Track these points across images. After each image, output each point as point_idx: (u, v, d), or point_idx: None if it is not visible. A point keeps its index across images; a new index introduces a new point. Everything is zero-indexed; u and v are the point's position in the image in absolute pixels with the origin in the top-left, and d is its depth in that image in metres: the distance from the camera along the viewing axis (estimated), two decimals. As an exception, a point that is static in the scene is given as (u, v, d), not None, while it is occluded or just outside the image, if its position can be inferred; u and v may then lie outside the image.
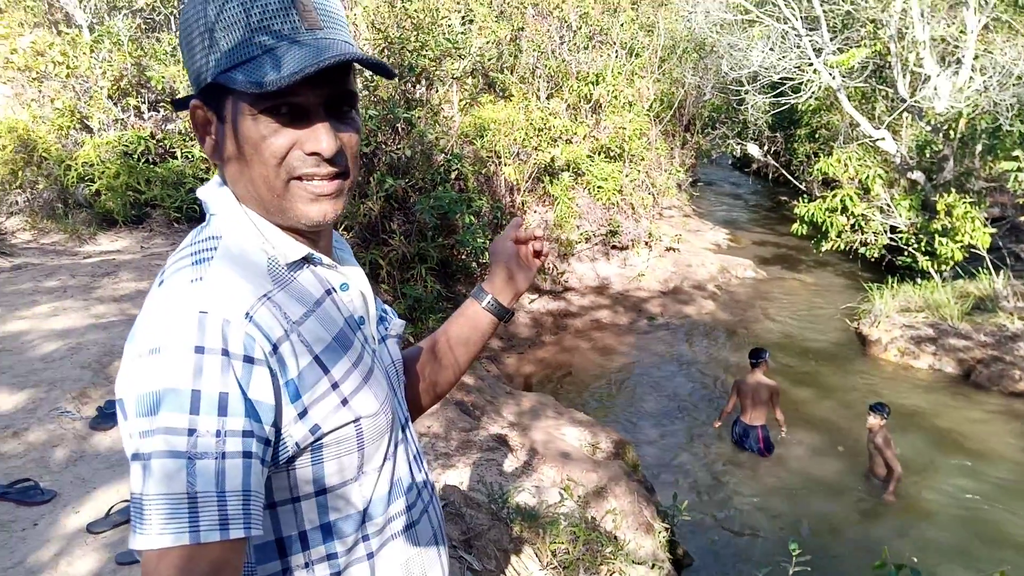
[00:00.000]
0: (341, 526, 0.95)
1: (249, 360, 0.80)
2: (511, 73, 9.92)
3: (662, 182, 11.25)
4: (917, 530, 5.13)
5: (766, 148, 17.04)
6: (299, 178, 0.87)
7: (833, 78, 10.70)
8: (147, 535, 0.73)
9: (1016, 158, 8.46)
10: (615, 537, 3.96)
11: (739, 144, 16.81)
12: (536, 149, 8.98)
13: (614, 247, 9.85)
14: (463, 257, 7.07)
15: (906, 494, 5.59)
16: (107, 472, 3.08)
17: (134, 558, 2.47)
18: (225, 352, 0.78)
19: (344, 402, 0.90)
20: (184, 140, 7.02)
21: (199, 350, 0.77)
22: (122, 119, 7.10)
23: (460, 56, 7.75)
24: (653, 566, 4.11)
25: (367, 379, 0.95)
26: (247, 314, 0.81)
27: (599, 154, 10.03)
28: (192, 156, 6.84)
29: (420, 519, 1.07)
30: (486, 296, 1.25)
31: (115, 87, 7.21)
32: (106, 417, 3.42)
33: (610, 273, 9.61)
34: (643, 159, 10.72)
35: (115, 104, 7.15)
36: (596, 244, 9.68)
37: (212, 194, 0.94)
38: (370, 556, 0.99)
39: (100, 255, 5.93)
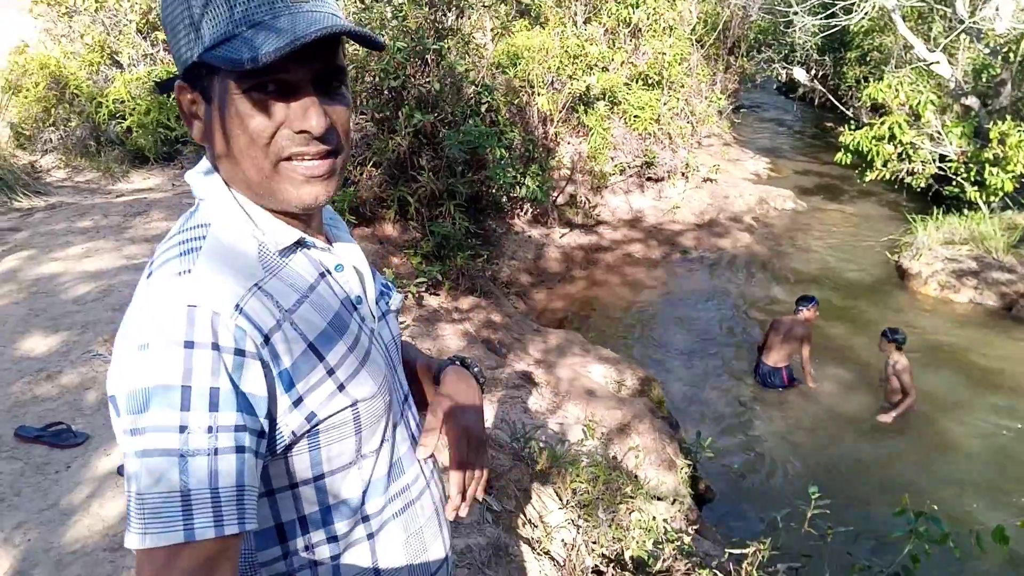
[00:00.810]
0: (341, 509, 0.95)
1: (240, 353, 0.79)
2: (548, -4, 9.60)
3: (702, 110, 10.91)
4: (947, 468, 5.10)
5: (813, 72, 16.32)
6: (289, 158, 0.85)
7: (887, -3, 10.12)
8: (141, 533, 0.74)
9: (1078, 83, 7.98)
10: (636, 476, 4.02)
11: (785, 68, 16.13)
12: (571, 77, 8.74)
13: (649, 179, 9.66)
14: (493, 192, 7.01)
15: (938, 431, 5.55)
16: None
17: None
18: (215, 346, 0.77)
19: (341, 387, 0.89)
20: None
21: (188, 345, 0.76)
22: (151, 54, 7.09)
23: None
24: (674, 501, 4.18)
25: (364, 362, 0.94)
26: (237, 306, 0.80)
27: (637, 81, 9.73)
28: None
29: (421, 496, 1.08)
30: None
31: (144, 21, 7.17)
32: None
33: (644, 206, 9.45)
34: (683, 86, 10.37)
35: (144, 39, 7.13)
36: (630, 176, 9.50)
37: (200, 179, 0.92)
38: (370, 537, 1.00)
39: (132, 193, 6.02)
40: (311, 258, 0.94)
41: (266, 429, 0.82)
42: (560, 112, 8.60)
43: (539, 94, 8.32)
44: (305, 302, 0.88)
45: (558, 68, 8.66)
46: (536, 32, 9.00)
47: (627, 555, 3.32)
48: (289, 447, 0.87)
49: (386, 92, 6.17)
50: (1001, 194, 8.82)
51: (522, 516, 3.29)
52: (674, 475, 4.47)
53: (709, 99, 11.30)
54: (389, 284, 1.15)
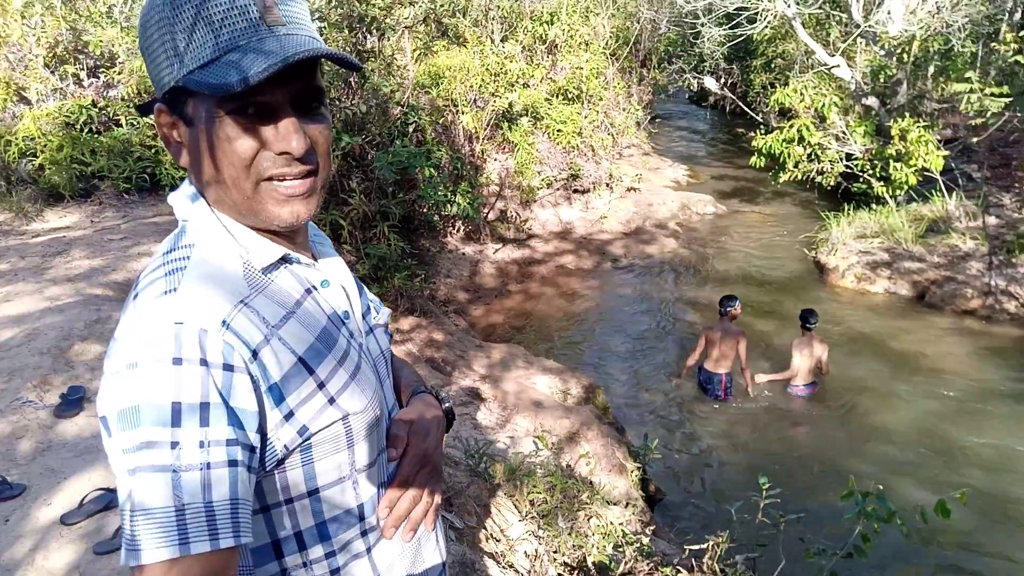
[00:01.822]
0: (337, 525, 0.95)
1: (229, 368, 0.79)
2: (463, 16, 9.69)
3: (621, 121, 11.20)
4: (879, 451, 5.34)
5: (723, 80, 16.98)
6: (270, 179, 0.86)
7: (788, 6, 10.64)
8: (137, 550, 0.73)
9: (968, 79, 8.56)
10: (591, 482, 4.07)
11: (696, 78, 16.73)
12: (493, 95, 8.84)
13: (575, 191, 9.84)
14: (425, 211, 7.01)
15: (867, 416, 5.81)
16: (76, 461, 3.05)
17: (112, 547, 2.48)
18: (204, 362, 0.77)
19: (331, 401, 0.89)
20: (128, 107, 6.77)
21: (177, 362, 0.76)
22: (61, 88, 6.82)
23: (411, 2, 7.54)
24: (627, 504, 4.25)
25: (354, 376, 0.94)
26: (224, 322, 0.81)
27: (557, 96, 9.92)
28: (138, 123, 6.61)
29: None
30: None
31: (51, 54, 6.91)
32: (70, 404, 3.38)
33: (573, 217, 9.62)
34: (601, 99, 10.63)
35: (52, 73, 6.86)
36: (558, 189, 9.66)
37: (183, 201, 0.92)
38: (369, 551, 1.00)
39: (49, 233, 5.77)
40: (296, 275, 0.94)
41: (257, 444, 0.82)
42: (485, 129, 8.67)
43: (463, 112, 8.38)
44: (292, 318, 0.89)
45: (480, 86, 8.75)
46: (456, 52, 9.07)
47: (589, 561, 3.35)
48: (282, 461, 0.88)
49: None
50: (906, 188, 9.34)
51: (484, 531, 3.28)
52: (625, 479, 4.53)
53: (627, 111, 11.60)
54: (376, 299, 1.16)
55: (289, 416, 0.85)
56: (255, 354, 0.82)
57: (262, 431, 0.83)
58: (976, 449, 5.31)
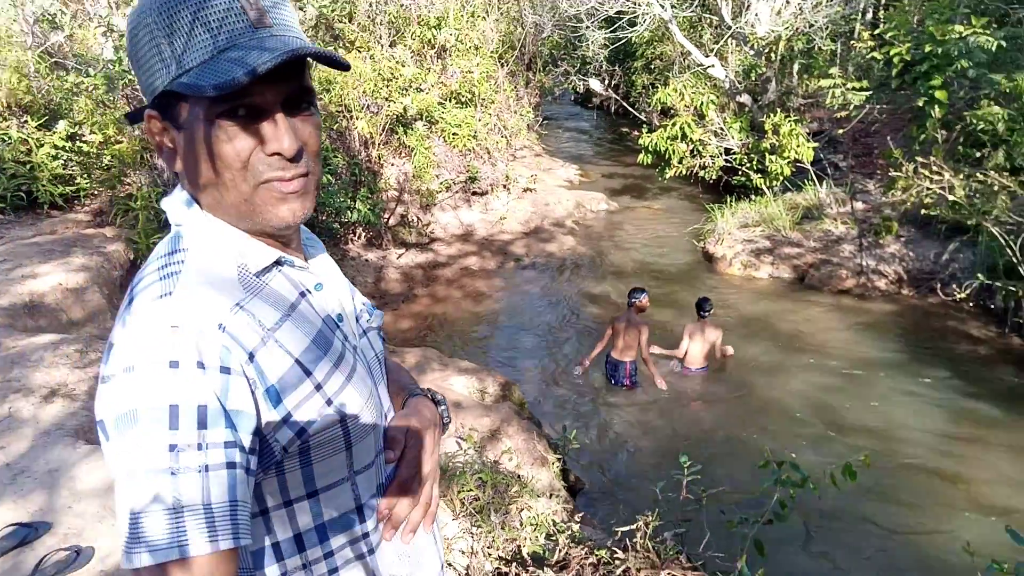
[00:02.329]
0: (336, 526, 0.96)
1: (226, 371, 0.79)
2: (350, 21, 9.57)
3: (513, 124, 11.38)
4: (778, 426, 5.69)
5: (606, 82, 17.53)
6: (264, 181, 0.86)
7: (664, 9, 11.13)
8: (136, 552, 0.73)
9: (831, 75, 9.24)
10: (518, 475, 4.15)
11: (581, 80, 17.19)
12: (387, 100, 8.79)
13: (474, 193, 9.93)
14: (324, 219, 6.90)
15: (764, 393, 6.18)
16: (-18, 497, 2.86)
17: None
18: (200, 365, 0.78)
19: (329, 402, 0.90)
20: (-3, 121, 6.32)
21: (174, 364, 0.76)
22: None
23: (300, 8, 7.40)
24: (551, 496, 4.35)
25: (350, 377, 0.95)
26: (220, 325, 0.81)
27: (450, 100, 9.97)
28: (9, 139, 6.16)
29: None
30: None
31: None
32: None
33: (473, 219, 9.70)
34: (493, 102, 10.76)
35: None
36: (456, 192, 9.72)
37: (176, 206, 0.92)
38: (370, 552, 1.00)
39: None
40: (290, 278, 0.95)
41: (255, 446, 0.83)
42: (381, 134, 8.61)
43: (357, 118, 8.29)
44: (287, 320, 0.89)
45: (373, 91, 8.68)
46: (347, 57, 8.95)
47: (524, 552, 3.42)
48: (281, 463, 0.88)
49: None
50: (781, 178, 9.99)
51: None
52: (547, 471, 4.64)
53: (518, 113, 11.80)
54: (368, 303, 1.16)
55: (287, 418, 0.86)
56: (251, 357, 0.83)
57: (260, 433, 0.84)
58: (862, 418, 5.76)
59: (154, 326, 0.78)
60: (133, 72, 0.90)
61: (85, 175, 6.45)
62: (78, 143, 6.48)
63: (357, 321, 1.07)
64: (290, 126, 0.85)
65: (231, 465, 0.78)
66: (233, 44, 0.81)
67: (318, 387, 0.89)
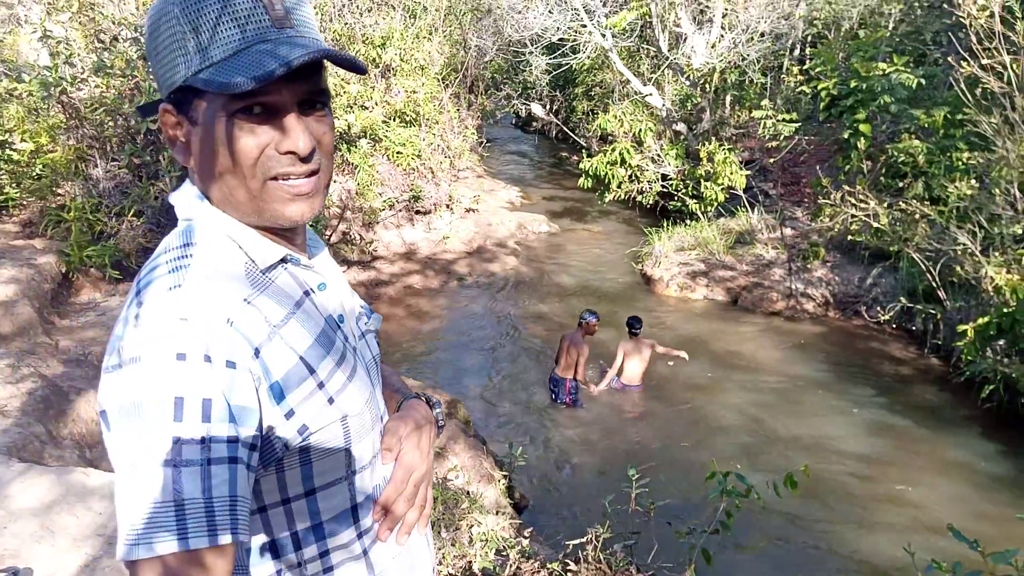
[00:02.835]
0: (333, 525, 0.96)
1: (231, 365, 0.80)
2: (294, 38, 9.49)
3: (457, 145, 11.45)
4: (715, 441, 5.86)
5: (548, 107, 17.83)
6: (275, 178, 0.87)
7: (605, 38, 11.44)
8: (134, 544, 0.73)
9: (762, 107, 9.65)
10: (467, 492, 4.16)
11: (524, 104, 17.43)
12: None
13: (418, 212, 9.94)
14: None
15: (700, 410, 6.36)
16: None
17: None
18: (207, 358, 0.78)
19: (330, 401, 0.90)
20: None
21: (181, 357, 0.76)
22: None
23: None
24: (498, 512, 4.37)
25: (351, 377, 0.95)
26: (228, 319, 0.81)
27: (394, 119, 9.98)
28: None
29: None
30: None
31: None
32: None
33: (416, 238, 9.70)
34: (437, 122, 10.82)
35: None
36: (400, 210, 9.70)
37: (185, 199, 0.92)
38: (365, 553, 1.01)
39: None
40: (295, 276, 0.96)
41: (257, 442, 0.83)
42: (323, 151, 8.54)
43: (301, 134, 8.21)
44: (292, 318, 0.90)
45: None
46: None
47: (475, 567, 3.43)
48: (281, 460, 0.88)
49: (143, 136, 5.75)
50: (716, 204, 10.33)
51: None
52: (494, 488, 4.66)
53: (462, 135, 11.89)
54: (365, 306, 1.17)
55: (289, 415, 0.86)
56: (257, 352, 0.83)
57: (262, 429, 0.84)
58: (794, 432, 5.99)
59: (163, 318, 0.78)
60: (151, 65, 0.88)
61: (14, 184, 6.19)
62: (8, 151, 6.23)
63: (356, 323, 1.08)
64: (305, 126, 0.86)
65: (233, 460, 0.78)
66: (260, 38, 0.83)
67: (320, 385, 0.90)
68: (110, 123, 5.79)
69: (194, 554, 0.74)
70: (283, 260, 0.94)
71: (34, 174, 6.20)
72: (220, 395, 0.78)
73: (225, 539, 0.76)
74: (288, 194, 0.88)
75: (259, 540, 0.92)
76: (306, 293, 0.96)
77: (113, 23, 6.35)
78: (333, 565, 0.98)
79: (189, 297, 0.81)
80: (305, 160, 0.87)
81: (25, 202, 6.26)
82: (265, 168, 0.86)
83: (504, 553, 3.54)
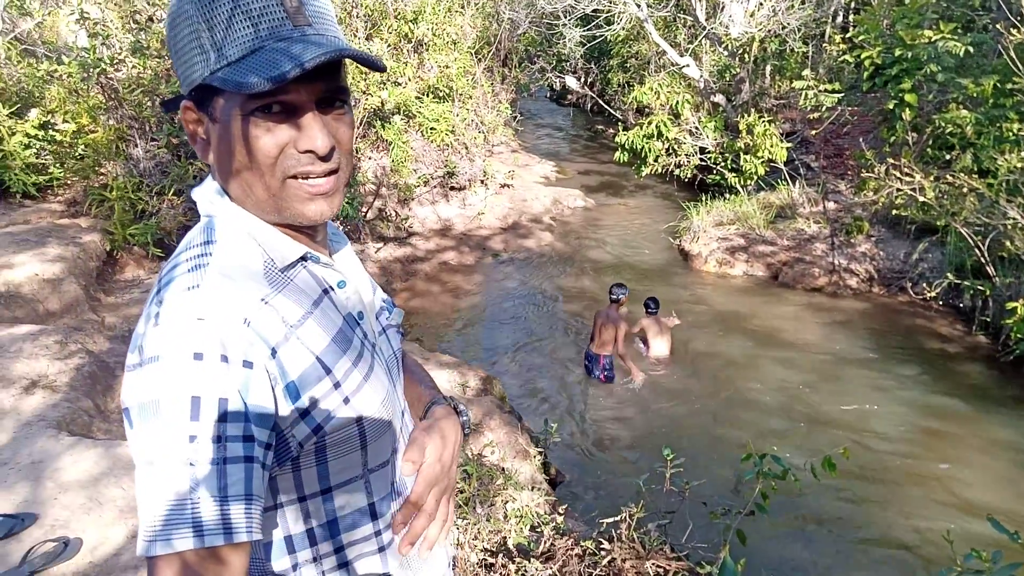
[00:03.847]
0: (349, 522, 0.97)
1: (248, 365, 0.81)
2: (326, 14, 9.48)
3: (491, 120, 11.38)
4: (752, 421, 5.79)
5: (582, 80, 17.61)
6: (294, 176, 0.87)
7: (640, 8, 11.21)
8: (152, 541, 0.74)
9: (803, 77, 9.39)
10: (502, 468, 4.18)
11: (558, 77, 17.23)
12: (364, 93, 8.75)
13: (452, 188, 9.92)
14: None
15: (738, 389, 6.28)
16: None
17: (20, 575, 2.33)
18: (224, 358, 0.79)
19: (346, 400, 0.91)
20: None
21: (198, 357, 0.77)
22: None
23: None
24: (533, 488, 4.39)
25: (367, 377, 0.96)
26: (245, 319, 0.82)
27: (427, 95, 9.95)
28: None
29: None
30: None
31: None
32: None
33: (451, 214, 9.70)
34: (470, 97, 10.76)
35: None
36: (435, 187, 9.71)
37: (206, 195, 0.93)
38: (381, 550, 1.02)
39: None
40: (315, 274, 0.96)
41: (272, 441, 0.84)
42: (358, 128, 8.57)
43: (335, 111, 8.23)
44: (310, 317, 0.90)
45: (350, 85, 8.63)
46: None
47: (510, 543, 3.46)
48: (296, 460, 0.89)
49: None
50: (755, 178, 10.13)
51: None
52: (529, 464, 4.68)
53: (496, 109, 11.81)
54: (389, 299, 1.17)
55: (304, 415, 0.87)
56: (274, 352, 0.84)
57: (277, 428, 0.85)
58: (835, 411, 5.88)
59: (181, 318, 0.79)
60: (172, 61, 0.88)
61: (58, 164, 6.33)
62: (51, 132, 6.36)
63: (377, 318, 1.08)
64: (324, 124, 0.86)
65: (248, 459, 0.79)
66: (275, 36, 0.82)
67: (336, 385, 0.90)
68: (148, 103, 5.86)
69: (211, 551, 0.76)
70: (303, 258, 0.94)
71: (77, 154, 6.33)
72: (237, 395, 0.79)
73: (241, 537, 0.78)
74: (308, 193, 0.88)
75: (275, 535, 0.93)
76: (325, 291, 0.96)
77: (148, 3, 6.41)
78: (349, 560, 0.99)
79: (207, 297, 0.81)
80: (324, 159, 0.87)
81: (69, 181, 6.40)
82: (284, 167, 0.86)
83: (539, 529, 3.56)
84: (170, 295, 0.82)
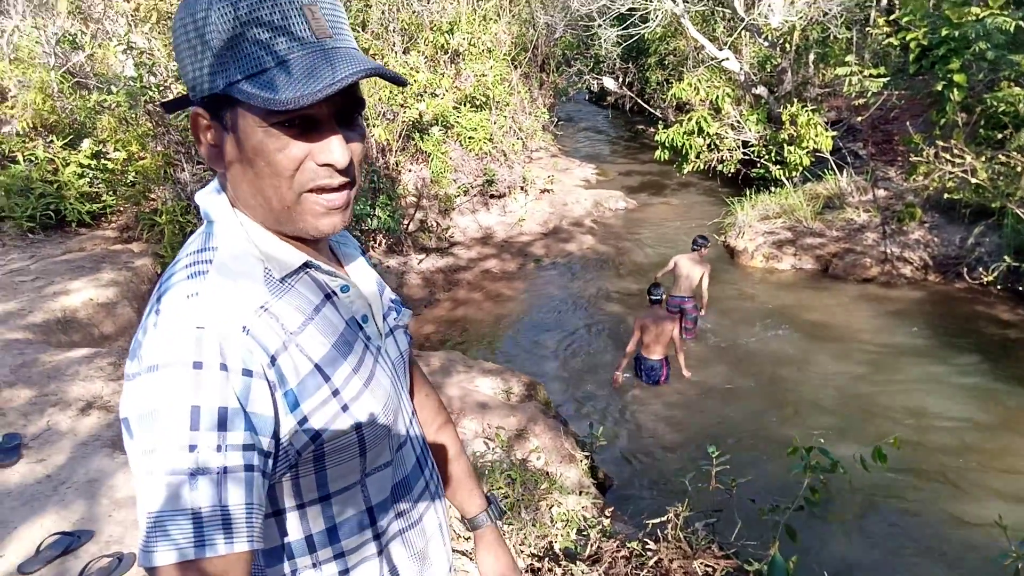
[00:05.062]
0: (348, 528, 0.97)
1: (247, 373, 0.80)
2: (363, 30, 9.66)
3: (529, 125, 11.40)
4: (805, 417, 5.65)
5: (620, 80, 17.52)
6: (311, 191, 0.86)
7: (676, 4, 11.11)
8: (152, 551, 0.74)
9: (847, 63, 9.16)
10: (547, 473, 4.16)
11: (596, 79, 17.18)
12: (402, 106, 8.86)
13: (492, 196, 9.97)
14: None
15: (790, 384, 6.14)
16: (24, 509, 2.94)
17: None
18: (223, 367, 0.78)
19: (344, 408, 0.90)
20: (24, 142, 6.45)
21: (197, 366, 0.77)
22: None
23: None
24: (581, 492, 4.36)
25: (368, 383, 0.95)
26: (244, 327, 0.81)
27: (465, 104, 10.02)
28: (36, 158, 6.30)
29: (426, 513, 1.10)
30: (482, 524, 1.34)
31: None
32: (7, 452, 3.24)
33: (492, 222, 9.74)
34: (508, 104, 10.80)
35: None
36: (474, 195, 9.76)
37: (211, 201, 0.92)
38: (380, 553, 1.02)
39: None
40: (316, 280, 0.95)
41: (272, 449, 0.83)
42: (398, 141, 8.68)
43: (374, 125, 8.36)
44: (310, 324, 0.89)
45: (389, 98, 8.75)
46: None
47: (556, 548, 3.44)
48: (295, 467, 0.89)
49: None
50: (801, 169, 9.91)
51: (452, 532, 3.32)
52: (576, 468, 4.65)
53: (533, 114, 11.83)
54: (399, 300, 1.16)
55: (303, 422, 0.86)
56: (273, 360, 0.83)
57: (277, 437, 0.84)
58: (890, 404, 5.70)
59: (179, 326, 0.79)
60: (177, 61, 0.86)
61: (111, 192, 6.57)
62: (103, 161, 6.60)
63: (384, 319, 1.06)
64: (343, 139, 0.85)
65: (248, 468, 0.79)
66: (297, 48, 0.80)
67: (335, 393, 0.89)
68: (187, 129, 6.03)
69: (211, 561, 0.75)
70: (305, 265, 0.93)
71: (128, 181, 6.56)
72: (236, 403, 0.79)
73: (241, 546, 0.77)
74: (323, 208, 0.87)
75: (274, 542, 0.93)
76: (327, 296, 0.95)
77: (190, 31, 6.59)
78: (349, 567, 0.99)
79: (206, 305, 0.81)
80: (342, 173, 0.86)
81: (121, 208, 6.63)
82: (302, 181, 0.85)
83: (585, 533, 3.53)
84: (169, 302, 0.81)
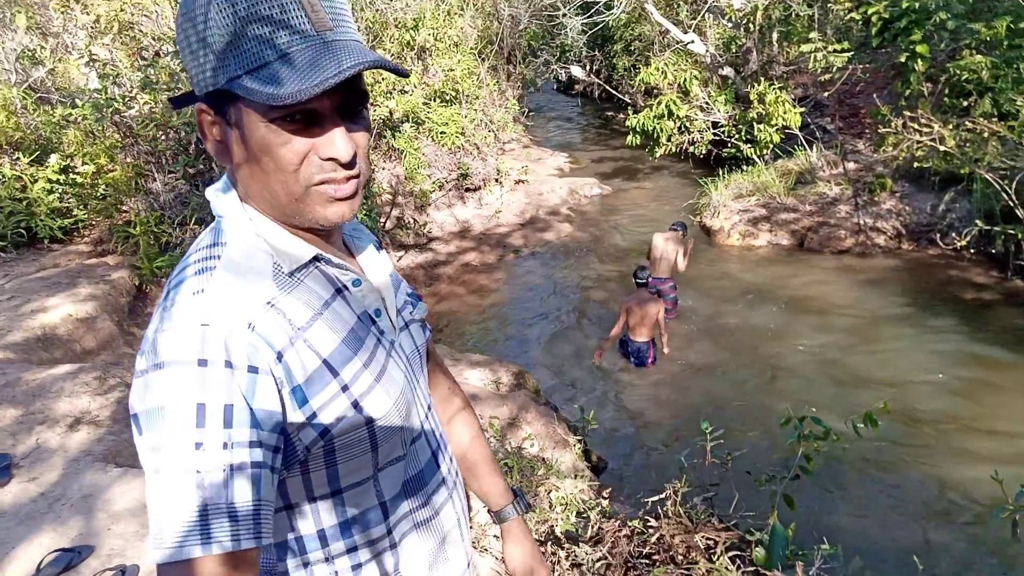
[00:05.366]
0: (360, 523, 0.97)
1: (253, 370, 0.80)
2: (327, 30, 9.57)
3: (499, 118, 11.39)
4: (790, 389, 5.73)
5: (588, 68, 17.55)
6: (317, 184, 0.85)
7: (638, -10, 11.15)
8: (162, 549, 0.74)
9: (811, 40, 9.26)
10: (543, 459, 4.19)
11: (563, 68, 17.19)
12: (372, 104, 8.81)
13: (467, 190, 9.96)
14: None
15: (773, 358, 6.21)
16: (21, 528, 2.90)
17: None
18: (228, 364, 0.78)
19: (355, 404, 0.90)
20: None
21: (202, 363, 0.77)
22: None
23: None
24: (576, 476, 4.39)
25: (379, 378, 0.94)
26: (250, 324, 0.81)
27: (434, 100, 9.99)
28: (3, 176, 6.18)
29: (443, 506, 1.09)
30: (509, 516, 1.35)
31: None
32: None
33: (468, 216, 9.73)
34: (477, 98, 10.78)
35: None
36: (450, 190, 9.74)
37: (220, 196, 0.92)
38: (393, 547, 1.01)
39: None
40: (327, 274, 0.94)
41: (280, 445, 0.83)
42: (369, 140, 8.63)
43: (345, 125, 8.29)
44: (319, 319, 0.89)
45: (358, 97, 8.69)
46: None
47: (557, 531, 3.46)
48: (305, 462, 0.89)
49: (194, 146, 5.91)
50: (771, 146, 10.01)
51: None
52: (569, 452, 4.68)
53: (504, 107, 11.82)
54: (414, 293, 1.16)
55: (312, 418, 0.86)
56: (279, 356, 0.83)
57: (284, 432, 0.84)
58: (874, 370, 5.80)
59: (186, 323, 0.79)
60: (182, 58, 0.86)
61: (82, 206, 6.46)
62: (71, 175, 6.50)
63: (400, 313, 1.06)
64: (346, 132, 0.85)
65: (256, 464, 0.79)
66: (298, 42, 0.79)
67: (344, 388, 0.89)
68: (162, 137, 5.96)
69: (221, 558, 0.75)
70: (315, 259, 0.93)
71: (98, 194, 6.46)
72: (242, 400, 0.79)
73: (249, 543, 0.77)
74: (331, 197, 0.86)
75: (286, 536, 0.93)
76: (338, 290, 0.95)
77: (153, 39, 6.52)
78: (362, 562, 0.99)
79: (211, 302, 0.81)
80: (347, 166, 0.85)
81: (93, 222, 6.53)
82: (307, 175, 0.84)
83: (585, 515, 3.56)
84: (176, 300, 0.82)
